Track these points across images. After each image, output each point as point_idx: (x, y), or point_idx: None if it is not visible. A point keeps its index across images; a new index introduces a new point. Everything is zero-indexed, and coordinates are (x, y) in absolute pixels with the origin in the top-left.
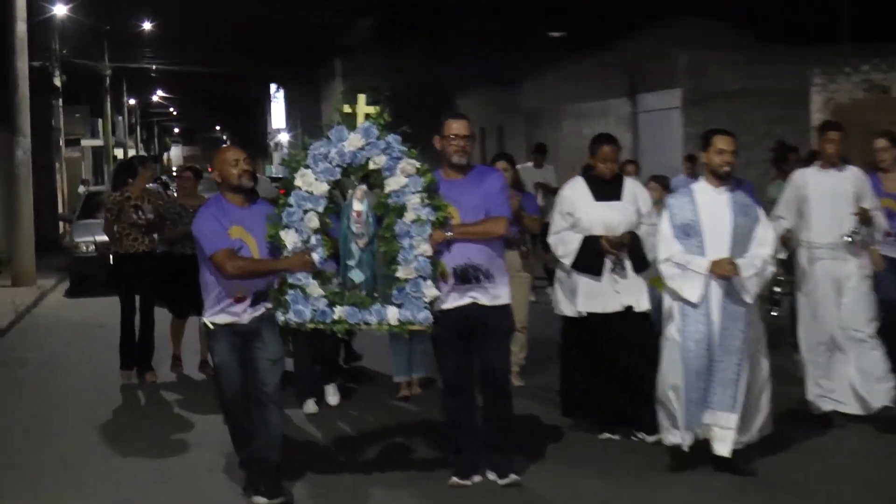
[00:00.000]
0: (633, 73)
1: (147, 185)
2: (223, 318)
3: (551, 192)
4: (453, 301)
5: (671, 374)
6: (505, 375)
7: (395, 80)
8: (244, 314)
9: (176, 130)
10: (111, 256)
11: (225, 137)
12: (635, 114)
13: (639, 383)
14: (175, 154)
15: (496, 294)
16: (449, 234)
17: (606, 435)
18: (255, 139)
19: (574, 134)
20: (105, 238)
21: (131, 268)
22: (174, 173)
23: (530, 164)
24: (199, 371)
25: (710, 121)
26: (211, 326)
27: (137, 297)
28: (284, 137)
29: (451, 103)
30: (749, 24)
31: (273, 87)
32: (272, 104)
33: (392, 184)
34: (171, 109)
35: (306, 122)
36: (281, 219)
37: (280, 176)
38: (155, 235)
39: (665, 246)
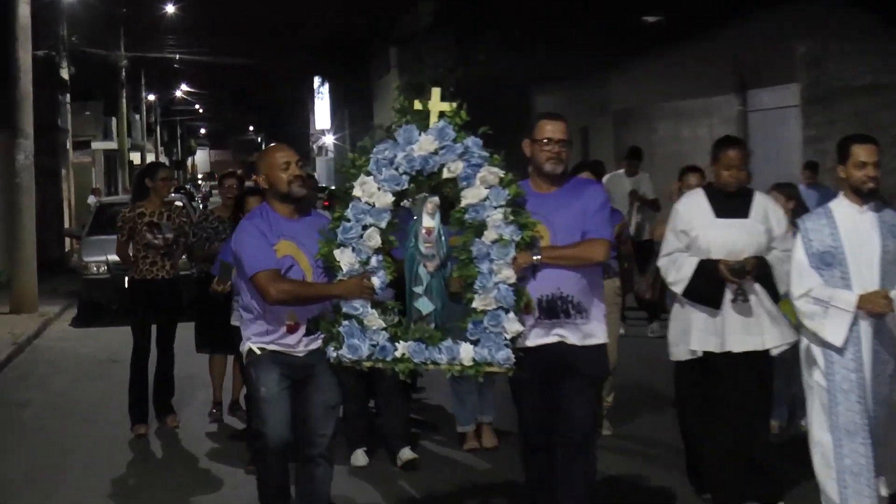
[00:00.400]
0: (742, 65)
1: (169, 198)
2: (273, 346)
3: (648, 204)
4: (537, 338)
5: (819, 433)
6: (588, 430)
7: (461, 73)
8: (299, 345)
9: (202, 132)
10: (126, 281)
11: (260, 140)
12: (745, 113)
13: (751, 441)
14: (201, 159)
15: (589, 332)
16: (536, 257)
17: (709, 496)
18: (295, 142)
19: (671, 137)
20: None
21: (147, 297)
22: (199, 181)
23: (622, 171)
24: (229, 414)
25: (832, 122)
26: (257, 352)
27: (154, 330)
28: (329, 140)
29: (529, 101)
30: (880, 7)
31: (317, 81)
32: (315, 102)
33: (470, 196)
34: (197, 107)
35: (355, 122)
36: (335, 235)
37: (324, 186)
38: (184, 257)
39: (801, 278)
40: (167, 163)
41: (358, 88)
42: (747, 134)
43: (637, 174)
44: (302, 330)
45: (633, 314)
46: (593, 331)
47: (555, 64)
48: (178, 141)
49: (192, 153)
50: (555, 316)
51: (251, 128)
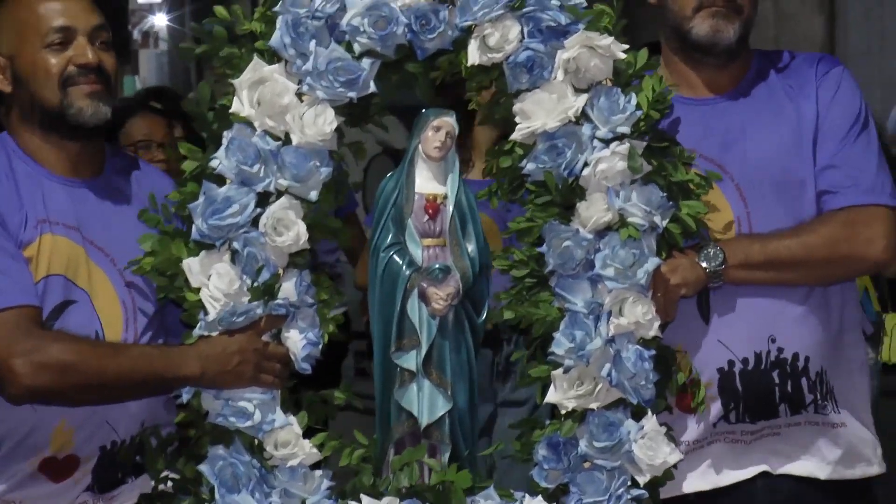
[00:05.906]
0: None
1: None
2: None
3: None
4: (716, 473)
5: None
6: None
7: None
8: None
9: None
10: None
11: None
12: None
13: None
14: None
15: (850, 446)
16: (711, 266)
17: None
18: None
19: None
20: None
21: None
22: None
23: None
24: None
25: None
26: None
27: None
28: (162, 21)
29: None
30: None
31: None
32: None
33: (538, 112)
34: None
35: None
36: (180, 220)
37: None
38: None
39: None
40: None
41: None
42: None
43: None
44: (87, 473)
45: None
46: (856, 443)
47: None
48: None
49: None
50: (766, 414)
51: None
